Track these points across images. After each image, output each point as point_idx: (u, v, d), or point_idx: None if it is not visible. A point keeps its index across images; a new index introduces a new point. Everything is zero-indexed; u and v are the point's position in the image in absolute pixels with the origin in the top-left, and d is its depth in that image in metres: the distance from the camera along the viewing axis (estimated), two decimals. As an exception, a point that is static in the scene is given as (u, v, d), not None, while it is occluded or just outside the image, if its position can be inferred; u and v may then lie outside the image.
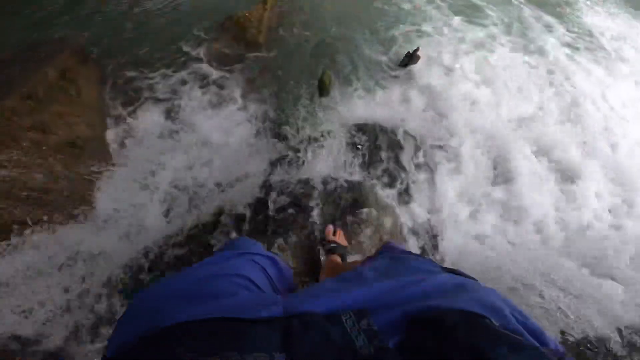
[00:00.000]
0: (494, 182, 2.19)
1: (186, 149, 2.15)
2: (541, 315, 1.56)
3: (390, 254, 0.92)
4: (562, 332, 1.52)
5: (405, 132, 2.26)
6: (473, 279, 0.64)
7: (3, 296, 1.33)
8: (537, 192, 2.15)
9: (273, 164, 2.07)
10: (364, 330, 0.47)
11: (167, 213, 1.86)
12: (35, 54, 2.24)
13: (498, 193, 2.14)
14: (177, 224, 1.79)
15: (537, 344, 0.45)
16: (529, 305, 1.60)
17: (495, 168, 2.24)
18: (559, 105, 2.68)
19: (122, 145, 2.06)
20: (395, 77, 2.67)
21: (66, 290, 1.40)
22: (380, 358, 0.43)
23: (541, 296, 1.62)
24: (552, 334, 1.52)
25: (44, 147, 1.75)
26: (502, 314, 0.49)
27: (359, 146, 2.15)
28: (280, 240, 1.61)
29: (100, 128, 2.06)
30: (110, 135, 2.07)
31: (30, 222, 1.50)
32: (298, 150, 2.10)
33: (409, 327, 0.47)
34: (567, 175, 2.27)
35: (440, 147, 2.25)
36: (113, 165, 1.93)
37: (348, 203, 1.80)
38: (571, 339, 1.49)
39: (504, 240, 2.02)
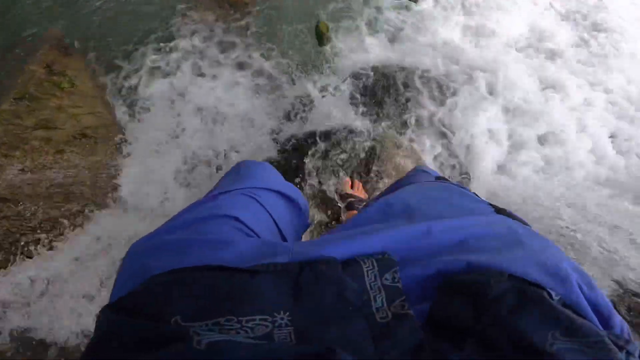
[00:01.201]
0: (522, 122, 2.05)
1: (195, 119, 2.06)
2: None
3: (424, 179, 0.79)
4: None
5: (417, 74, 2.10)
6: (526, 224, 0.51)
7: (57, 296, 1.28)
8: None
9: (282, 119, 1.99)
10: (386, 286, 0.38)
11: (187, 181, 1.82)
12: (14, 55, 2.09)
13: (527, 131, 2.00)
14: (199, 190, 1.74)
15: (600, 329, 0.35)
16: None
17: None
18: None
19: (131, 125, 1.98)
20: (401, 18, 2.47)
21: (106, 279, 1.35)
22: (395, 329, 0.34)
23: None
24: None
25: (55, 144, 1.66)
26: (567, 282, 0.38)
27: (369, 91, 2.01)
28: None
29: (105, 114, 1.96)
30: (119, 118, 1.98)
31: (64, 219, 1.43)
32: (306, 103, 2.00)
33: (443, 290, 0.37)
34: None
35: (456, 85, 2.09)
36: (127, 148, 1.84)
37: (365, 152, 1.70)
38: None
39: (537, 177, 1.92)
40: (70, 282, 1.30)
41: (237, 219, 0.56)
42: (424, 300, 0.37)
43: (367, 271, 0.39)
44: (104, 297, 1.31)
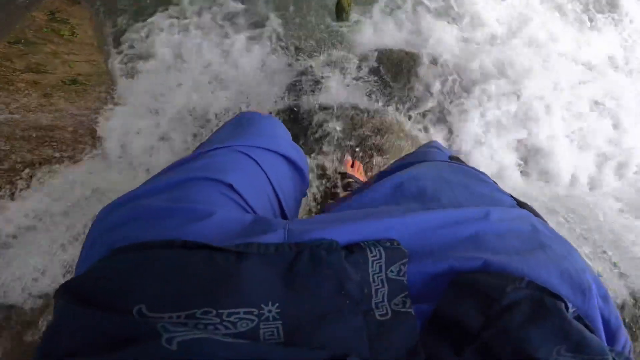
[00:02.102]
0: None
1: (193, 76, 1.93)
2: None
3: (438, 158, 0.67)
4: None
5: (435, 61, 1.92)
6: (542, 219, 0.45)
7: (20, 245, 1.19)
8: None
9: (286, 90, 1.88)
10: (390, 280, 0.34)
11: (175, 142, 1.68)
12: (19, 3, 2.04)
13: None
14: (187, 151, 1.59)
15: (603, 345, 0.30)
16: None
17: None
18: None
19: (126, 77, 1.86)
20: (428, 4, 2.23)
21: (80, 232, 1.24)
22: (393, 329, 0.31)
23: None
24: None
25: (42, 87, 1.58)
26: (587, 295, 0.34)
27: (379, 73, 1.88)
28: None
29: (100, 63, 1.87)
30: (114, 68, 1.87)
31: (38, 163, 1.34)
32: (315, 76, 1.87)
33: (453, 289, 0.33)
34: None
35: (474, 78, 1.88)
36: (119, 98, 1.74)
37: (369, 132, 1.64)
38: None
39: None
40: (35, 235, 1.22)
41: (230, 186, 0.48)
42: (427, 299, 0.34)
43: (373, 261, 0.35)
44: (69, 255, 1.21)
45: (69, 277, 1.20)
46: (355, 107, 1.73)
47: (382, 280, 0.34)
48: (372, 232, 0.37)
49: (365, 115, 1.70)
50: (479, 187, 0.51)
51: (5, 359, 1.06)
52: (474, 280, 0.33)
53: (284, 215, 0.60)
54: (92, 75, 1.76)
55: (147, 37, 2.08)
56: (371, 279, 0.34)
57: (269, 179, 0.56)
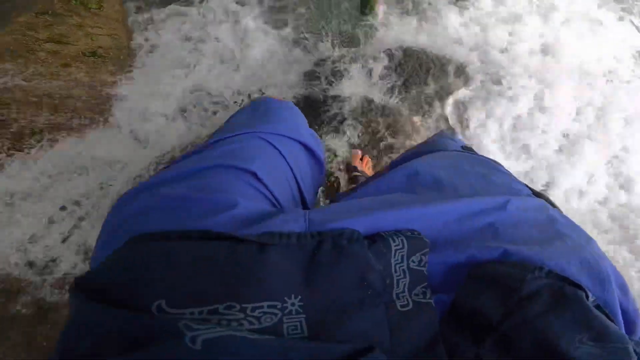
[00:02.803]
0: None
1: (211, 58, 1.91)
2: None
3: (451, 147, 0.64)
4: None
5: (455, 63, 1.88)
6: (558, 209, 0.44)
7: (21, 207, 1.18)
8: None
9: (303, 77, 1.85)
10: (412, 270, 0.33)
11: (187, 119, 1.65)
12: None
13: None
14: (197, 130, 1.58)
15: (624, 334, 0.30)
16: None
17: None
18: None
19: (145, 53, 1.85)
20: (457, 9, 2.12)
21: (84, 198, 1.22)
22: (413, 320, 0.30)
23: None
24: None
25: (62, 57, 1.59)
26: (606, 284, 0.33)
27: (399, 71, 1.85)
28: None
29: (124, 38, 1.87)
30: (134, 44, 1.87)
31: (47, 129, 1.34)
32: (332, 67, 1.85)
33: (472, 279, 0.32)
34: None
35: (493, 81, 1.80)
36: (135, 72, 1.72)
37: (381, 128, 1.65)
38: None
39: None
40: (36, 199, 1.21)
41: (254, 174, 0.46)
42: (446, 289, 0.34)
43: (396, 250, 0.33)
44: (66, 223, 1.20)
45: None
46: (370, 102, 1.71)
47: (403, 270, 0.33)
48: (393, 222, 0.36)
49: (380, 112, 1.70)
50: (496, 176, 0.50)
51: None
52: (493, 270, 0.33)
53: (305, 206, 0.58)
54: (111, 49, 1.76)
55: (168, 17, 2.07)
56: (393, 269, 0.33)
57: (290, 167, 0.55)
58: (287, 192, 0.53)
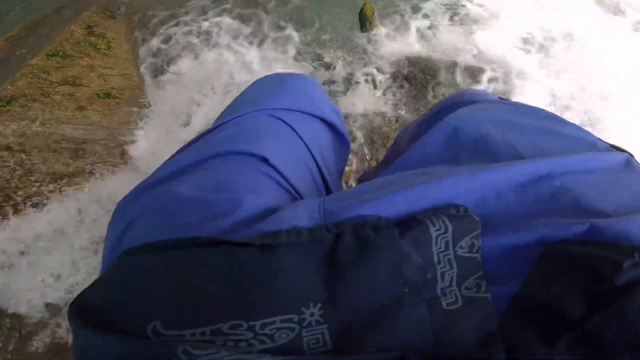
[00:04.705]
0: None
1: (223, 88, 1.92)
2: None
3: (489, 98, 0.53)
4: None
5: (463, 72, 1.93)
6: None
7: (42, 253, 1.16)
8: None
9: None
10: (460, 259, 0.26)
11: None
12: (60, 16, 2.10)
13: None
14: None
15: None
16: None
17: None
18: None
19: (158, 90, 1.87)
20: (455, 13, 2.22)
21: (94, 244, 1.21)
22: (463, 319, 0.25)
23: None
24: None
25: (77, 100, 1.58)
26: None
27: (403, 85, 1.90)
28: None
29: (135, 77, 1.87)
30: (147, 82, 1.88)
31: (68, 175, 1.33)
32: (335, 84, 1.90)
33: (543, 264, 0.25)
34: None
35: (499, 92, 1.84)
36: (151, 111, 1.72)
37: (392, 141, 1.61)
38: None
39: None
40: (55, 244, 1.19)
41: (264, 160, 0.39)
42: (506, 279, 0.27)
43: (437, 236, 0.26)
44: (91, 261, 1.18)
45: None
46: (379, 115, 1.74)
47: (449, 260, 0.27)
48: (431, 199, 0.29)
49: (389, 125, 1.72)
50: (558, 127, 0.39)
51: None
52: (574, 252, 0.25)
53: (328, 192, 0.49)
54: (125, 89, 1.77)
55: (180, 51, 2.09)
56: (436, 260, 0.27)
57: (308, 148, 0.46)
58: (307, 179, 0.45)
